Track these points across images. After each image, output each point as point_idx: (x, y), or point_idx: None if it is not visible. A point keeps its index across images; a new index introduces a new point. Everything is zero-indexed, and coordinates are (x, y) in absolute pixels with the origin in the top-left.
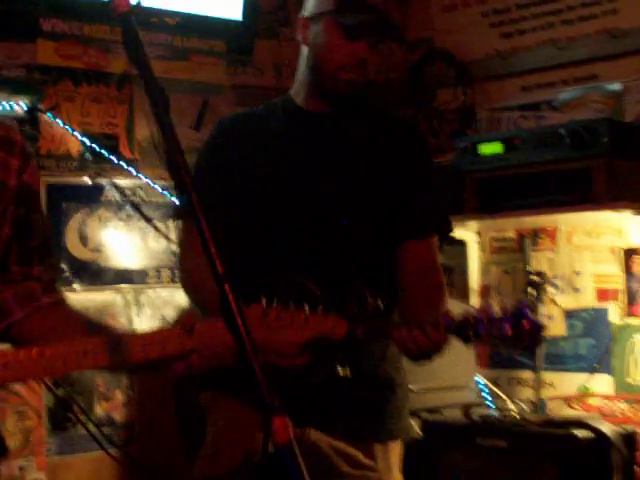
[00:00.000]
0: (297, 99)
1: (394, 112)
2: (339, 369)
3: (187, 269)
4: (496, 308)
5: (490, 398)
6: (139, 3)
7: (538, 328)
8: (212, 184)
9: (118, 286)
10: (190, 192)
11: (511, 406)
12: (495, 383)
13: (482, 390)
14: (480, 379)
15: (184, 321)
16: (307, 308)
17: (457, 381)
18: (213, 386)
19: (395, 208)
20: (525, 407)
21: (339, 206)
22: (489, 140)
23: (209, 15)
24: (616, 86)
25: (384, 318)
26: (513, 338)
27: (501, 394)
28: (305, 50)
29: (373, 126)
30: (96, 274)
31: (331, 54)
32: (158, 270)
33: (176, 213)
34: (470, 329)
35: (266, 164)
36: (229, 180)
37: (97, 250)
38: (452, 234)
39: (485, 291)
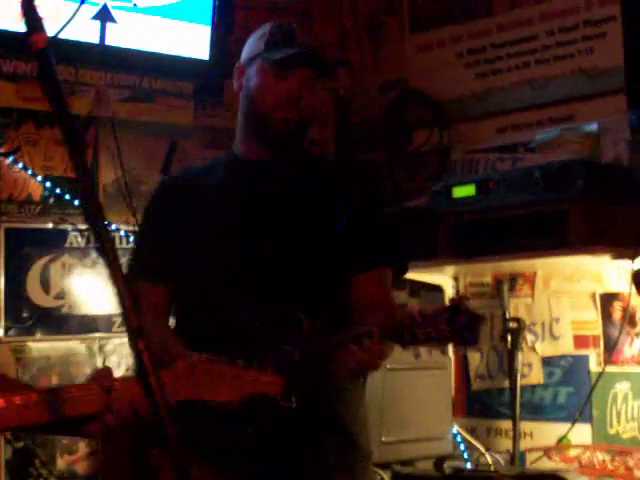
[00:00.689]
0: (236, 150)
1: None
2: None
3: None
4: (430, 308)
5: (466, 449)
6: (55, 37)
7: (475, 320)
8: (155, 239)
9: (82, 335)
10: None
11: (487, 458)
12: (473, 433)
13: (458, 441)
14: (457, 429)
15: (101, 378)
16: (241, 363)
17: (432, 432)
18: (162, 444)
19: (342, 246)
20: (501, 459)
21: (283, 251)
22: (463, 183)
23: (176, 55)
24: (593, 126)
25: (321, 339)
26: (451, 334)
27: (478, 445)
28: (240, 98)
29: (313, 169)
30: (59, 322)
31: (264, 94)
32: None
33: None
34: (406, 332)
35: (206, 216)
36: (171, 234)
37: (60, 297)
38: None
39: None
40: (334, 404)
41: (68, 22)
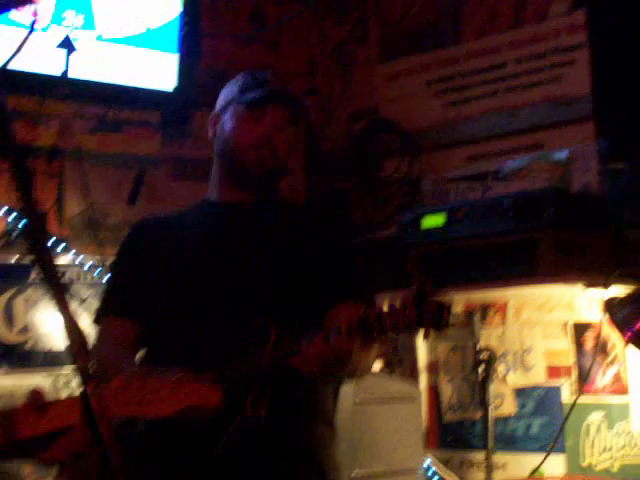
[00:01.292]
0: (212, 196)
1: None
2: (250, 409)
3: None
4: (396, 299)
5: None
6: (4, 68)
7: (442, 307)
8: (128, 277)
9: (47, 370)
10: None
11: None
12: (446, 465)
13: (430, 474)
14: (429, 462)
15: (33, 401)
16: (178, 375)
17: (404, 464)
18: None
19: (316, 287)
20: None
21: (260, 295)
22: (431, 213)
23: (143, 86)
24: (562, 155)
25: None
26: (419, 323)
27: (450, 477)
28: (215, 144)
29: (287, 213)
30: (24, 357)
31: (238, 136)
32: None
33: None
34: (374, 325)
35: (182, 257)
36: (145, 274)
37: (24, 332)
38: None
39: (432, 368)
40: (305, 439)
41: (16, 53)
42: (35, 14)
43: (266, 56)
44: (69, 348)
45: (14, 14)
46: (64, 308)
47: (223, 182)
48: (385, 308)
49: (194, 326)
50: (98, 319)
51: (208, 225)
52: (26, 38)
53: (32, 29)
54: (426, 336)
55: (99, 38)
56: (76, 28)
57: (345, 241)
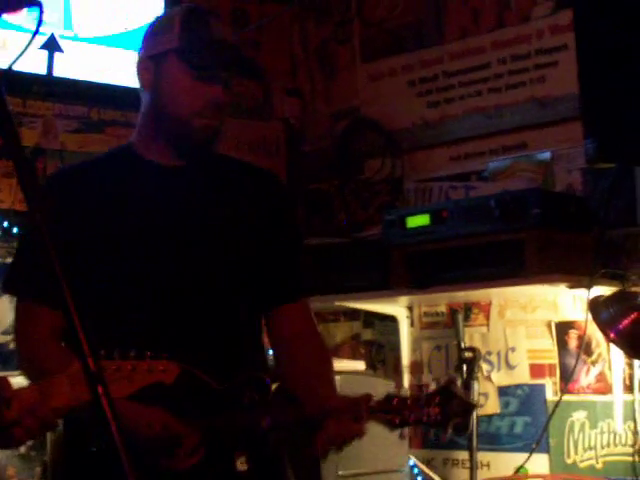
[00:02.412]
0: (139, 149)
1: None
2: (237, 462)
3: (32, 354)
4: (421, 389)
5: None
6: (8, 70)
7: (468, 408)
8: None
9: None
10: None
11: None
12: (429, 464)
13: (415, 473)
14: (413, 461)
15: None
16: (133, 354)
17: (388, 464)
18: None
19: (265, 269)
20: None
21: (198, 268)
22: (417, 213)
23: (125, 84)
24: (546, 155)
25: (291, 406)
26: (442, 420)
27: (435, 477)
28: (146, 96)
29: (226, 176)
30: (7, 358)
31: (181, 99)
32: None
33: (14, 288)
34: (395, 415)
35: (107, 224)
36: (70, 245)
37: (8, 333)
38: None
39: (416, 367)
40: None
41: (20, 55)
42: (40, 17)
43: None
44: (77, 353)
45: (15, 17)
46: (73, 310)
47: (156, 141)
48: (409, 400)
49: (133, 311)
50: (12, 292)
51: (141, 190)
52: (31, 41)
53: (37, 32)
54: (444, 435)
55: (82, 38)
56: (56, 28)
57: (294, 222)
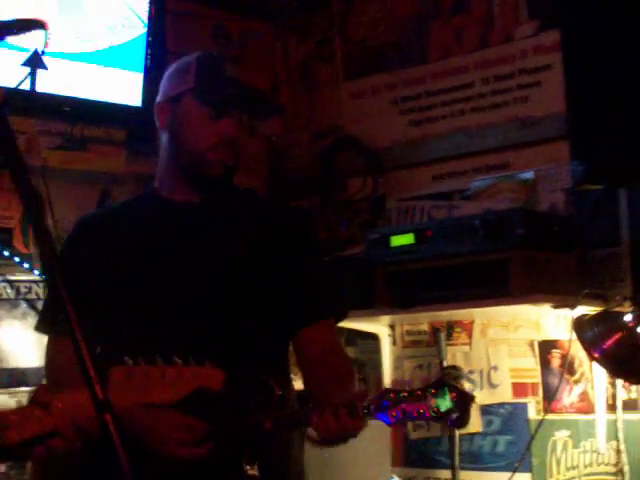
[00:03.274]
0: (162, 192)
1: (263, 196)
2: (246, 467)
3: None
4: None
5: None
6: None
7: (466, 401)
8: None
9: (12, 388)
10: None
11: None
12: None
13: None
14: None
15: (38, 397)
16: (178, 360)
17: None
18: None
19: (284, 295)
20: None
21: (225, 301)
22: (401, 232)
23: (108, 101)
24: (529, 174)
25: (293, 408)
26: (439, 415)
27: None
28: (165, 136)
29: (248, 211)
30: None
31: (196, 136)
32: None
33: (41, 326)
34: (393, 408)
35: (133, 263)
36: (87, 278)
37: None
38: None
39: (397, 386)
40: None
41: (27, 77)
42: (46, 40)
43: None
44: (85, 379)
45: (17, 39)
46: (78, 339)
47: (175, 179)
48: (406, 393)
49: (152, 339)
50: (40, 331)
51: (161, 228)
52: (37, 64)
53: (43, 53)
54: (444, 428)
55: (66, 55)
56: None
57: (314, 249)
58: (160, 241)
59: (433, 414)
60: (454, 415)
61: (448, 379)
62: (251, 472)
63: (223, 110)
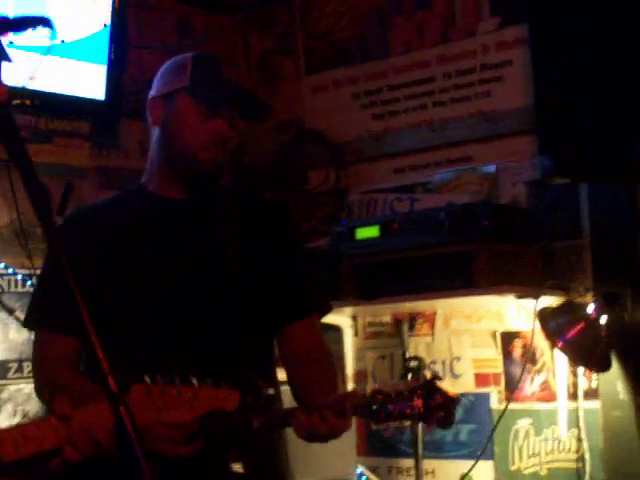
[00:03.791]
0: (150, 186)
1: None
2: (233, 465)
3: (52, 383)
4: (402, 385)
5: None
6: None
7: (451, 401)
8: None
9: None
10: (78, 305)
11: None
12: (374, 472)
13: None
14: (361, 470)
15: (59, 409)
16: (195, 381)
17: (337, 472)
18: None
19: (270, 290)
20: None
21: (210, 296)
22: (366, 224)
23: (73, 95)
24: (491, 168)
25: (279, 406)
26: (426, 413)
27: None
28: (156, 132)
29: (234, 207)
30: None
31: (188, 134)
32: (20, 363)
33: (32, 322)
34: (379, 408)
35: (123, 258)
36: (82, 278)
37: None
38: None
39: (360, 377)
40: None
41: (33, 75)
42: (51, 38)
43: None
44: (98, 371)
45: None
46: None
47: (164, 175)
48: (393, 394)
49: (143, 337)
50: (31, 327)
51: (150, 223)
52: (41, 60)
53: (49, 51)
54: (429, 429)
55: (30, 47)
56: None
57: (297, 243)
58: (147, 237)
59: (419, 415)
60: (439, 415)
61: (434, 382)
62: (236, 469)
63: (216, 110)
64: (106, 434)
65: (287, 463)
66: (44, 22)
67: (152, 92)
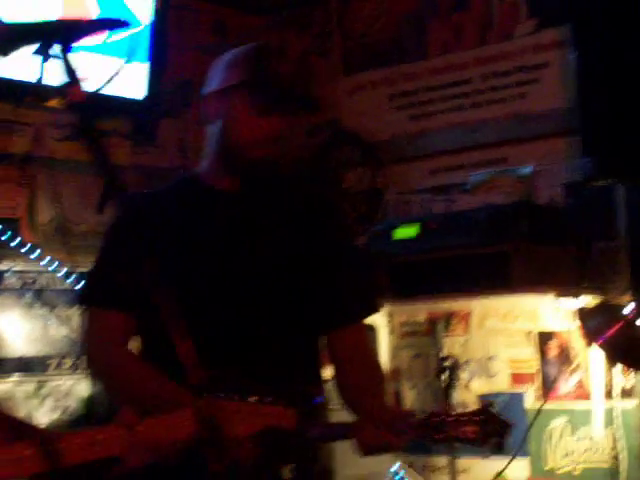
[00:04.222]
0: (207, 179)
1: (306, 185)
2: (284, 470)
3: (109, 362)
4: (459, 408)
5: None
6: (96, 93)
7: (505, 428)
8: (121, 265)
9: (18, 377)
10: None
11: None
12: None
13: (399, 478)
14: (397, 467)
15: (126, 418)
16: (254, 399)
17: (373, 468)
18: None
19: (323, 291)
20: None
21: (266, 291)
22: (404, 224)
23: (113, 94)
24: (526, 170)
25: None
26: (481, 438)
27: None
28: (213, 127)
29: (290, 203)
30: None
31: (244, 130)
32: (60, 359)
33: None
34: (438, 430)
35: (182, 250)
36: (140, 261)
37: None
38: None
39: (395, 375)
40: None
41: (111, 78)
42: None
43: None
44: (182, 363)
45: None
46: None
47: (222, 169)
48: (452, 417)
49: (198, 325)
50: (87, 304)
51: (208, 216)
52: (121, 66)
53: (130, 58)
54: (482, 453)
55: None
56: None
57: (351, 242)
58: (203, 230)
59: (475, 440)
60: (494, 441)
61: (491, 408)
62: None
63: (273, 108)
64: (169, 444)
65: (328, 461)
66: (121, 24)
67: (208, 87)
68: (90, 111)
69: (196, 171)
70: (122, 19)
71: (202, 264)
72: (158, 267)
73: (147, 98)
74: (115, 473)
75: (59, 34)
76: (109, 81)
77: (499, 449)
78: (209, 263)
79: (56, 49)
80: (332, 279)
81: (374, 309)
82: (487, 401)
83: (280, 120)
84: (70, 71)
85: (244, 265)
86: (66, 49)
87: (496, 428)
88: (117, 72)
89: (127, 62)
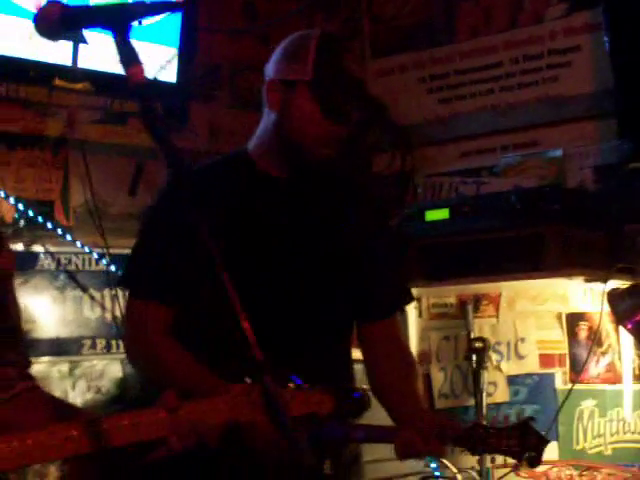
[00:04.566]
0: (261, 163)
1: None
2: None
3: (149, 351)
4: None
5: (438, 467)
6: (153, 81)
7: (543, 443)
8: (167, 255)
9: (52, 358)
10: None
11: (458, 476)
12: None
13: (430, 460)
14: (436, 465)
15: (169, 402)
16: (292, 384)
17: (410, 469)
18: None
19: (363, 284)
20: (476, 475)
21: (320, 280)
22: (436, 207)
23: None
24: (557, 152)
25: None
26: (519, 452)
27: (448, 464)
28: (273, 116)
29: (341, 194)
30: (29, 345)
31: (307, 129)
32: (93, 340)
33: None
34: (479, 441)
35: (239, 234)
36: (188, 250)
37: (31, 320)
38: None
39: (424, 357)
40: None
41: (164, 66)
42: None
43: (257, 50)
44: (243, 342)
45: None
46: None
47: (277, 157)
48: (492, 429)
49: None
50: (129, 294)
51: (263, 201)
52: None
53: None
54: (516, 467)
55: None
56: None
57: (392, 235)
58: (258, 218)
59: (514, 452)
60: (531, 455)
61: (530, 423)
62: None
63: (338, 113)
64: (211, 429)
65: (361, 458)
66: (176, 6)
67: (270, 73)
68: (149, 93)
69: (246, 151)
70: (175, 2)
71: (260, 251)
72: (219, 245)
73: (178, 81)
74: (157, 455)
75: (121, 16)
76: (164, 67)
77: (534, 463)
78: (267, 250)
79: (118, 31)
80: (372, 273)
81: (408, 301)
82: (527, 416)
83: (347, 124)
84: (132, 53)
85: (300, 254)
86: (126, 31)
87: (534, 442)
88: (170, 60)
89: (181, 46)
